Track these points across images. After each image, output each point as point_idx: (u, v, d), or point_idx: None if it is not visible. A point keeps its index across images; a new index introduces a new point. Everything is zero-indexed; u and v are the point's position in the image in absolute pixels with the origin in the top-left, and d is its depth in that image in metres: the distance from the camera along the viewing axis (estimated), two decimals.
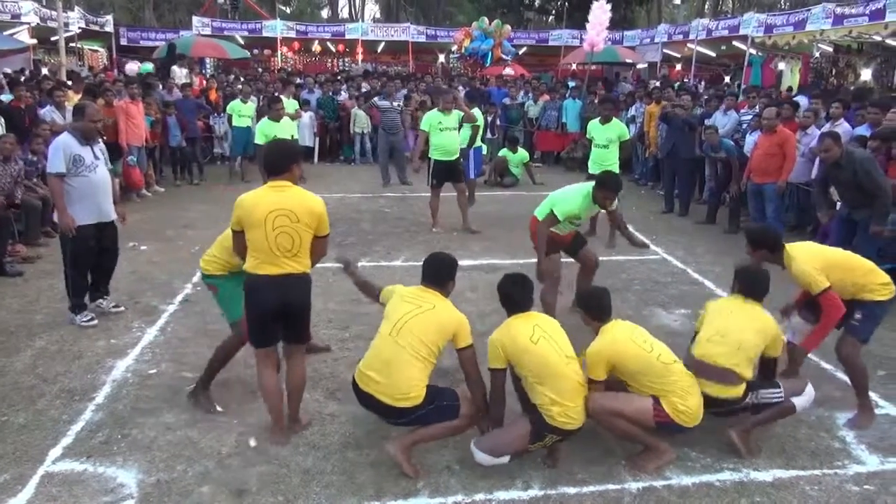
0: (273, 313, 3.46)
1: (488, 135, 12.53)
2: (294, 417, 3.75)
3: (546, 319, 3.55)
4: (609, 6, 14.73)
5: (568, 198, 5.02)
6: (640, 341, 3.52)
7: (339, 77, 16.71)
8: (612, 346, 3.47)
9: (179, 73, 15.21)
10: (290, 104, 11.31)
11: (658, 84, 15.50)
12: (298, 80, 14.98)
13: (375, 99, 12.44)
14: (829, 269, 3.82)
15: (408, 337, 3.35)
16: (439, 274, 3.60)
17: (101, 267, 5.39)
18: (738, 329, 3.61)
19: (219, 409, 3.96)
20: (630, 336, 3.53)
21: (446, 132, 8.07)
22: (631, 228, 5.63)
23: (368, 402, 3.44)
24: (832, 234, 6.22)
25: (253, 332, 3.56)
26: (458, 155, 8.24)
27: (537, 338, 3.34)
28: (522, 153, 11.83)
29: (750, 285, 3.76)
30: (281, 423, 3.65)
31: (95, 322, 5.21)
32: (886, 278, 3.93)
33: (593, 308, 3.65)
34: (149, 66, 16.63)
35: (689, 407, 3.43)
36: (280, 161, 3.52)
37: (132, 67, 17.07)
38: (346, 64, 25.75)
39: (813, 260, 3.85)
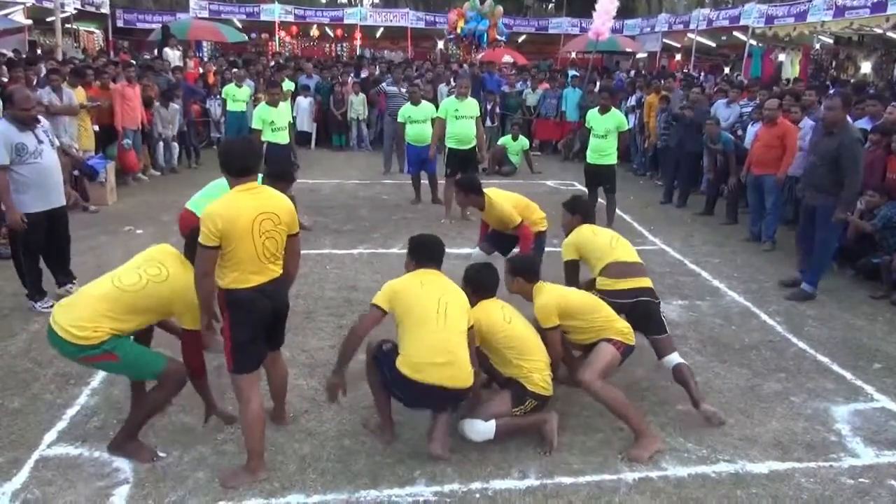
0: (266, 324, 3.23)
1: (488, 123, 12.45)
2: (282, 414, 3.70)
3: (505, 303, 3.79)
4: None
5: (210, 196, 4.82)
6: (573, 289, 4.00)
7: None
8: (555, 292, 3.80)
9: (172, 55, 14.98)
10: (285, 85, 11.19)
11: (658, 74, 15.41)
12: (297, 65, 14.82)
13: (384, 84, 12.25)
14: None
15: (453, 318, 3.40)
16: (440, 255, 3.68)
17: (55, 253, 5.29)
18: (615, 236, 4.31)
19: (161, 454, 3.42)
20: (562, 286, 4.01)
21: (462, 120, 7.92)
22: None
23: (428, 395, 3.33)
24: (799, 226, 6.26)
25: (244, 355, 3.17)
26: (473, 143, 8.08)
27: (509, 318, 3.63)
28: (523, 140, 11.77)
29: (585, 208, 4.51)
30: (262, 458, 3.30)
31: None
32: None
33: (530, 272, 3.88)
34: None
35: (628, 325, 3.79)
36: (250, 160, 3.20)
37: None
38: (344, 49, 25.60)
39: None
